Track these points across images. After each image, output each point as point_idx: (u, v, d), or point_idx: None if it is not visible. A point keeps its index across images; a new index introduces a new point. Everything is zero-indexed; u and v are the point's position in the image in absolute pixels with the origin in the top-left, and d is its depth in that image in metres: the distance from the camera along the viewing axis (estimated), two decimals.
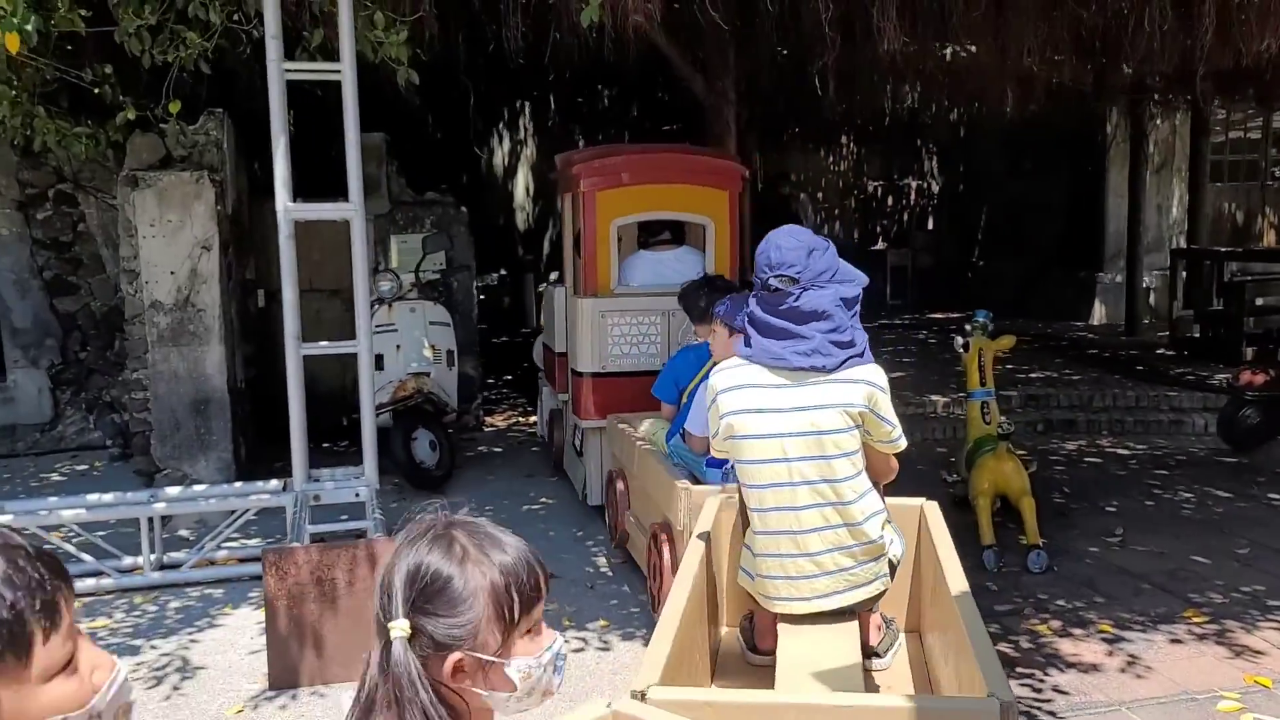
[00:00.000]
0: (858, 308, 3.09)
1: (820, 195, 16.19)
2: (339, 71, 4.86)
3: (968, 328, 6.37)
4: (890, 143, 15.95)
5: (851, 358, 3.00)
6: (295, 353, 4.86)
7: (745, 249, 11.67)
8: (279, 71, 4.77)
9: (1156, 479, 7.17)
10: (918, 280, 15.60)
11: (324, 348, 5.08)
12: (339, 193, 8.14)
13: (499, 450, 7.64)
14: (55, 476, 6.93)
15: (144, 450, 6.05)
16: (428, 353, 6.58)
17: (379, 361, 6.64)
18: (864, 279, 3.11)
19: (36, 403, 7.53)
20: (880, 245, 16.09)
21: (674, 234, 6.16)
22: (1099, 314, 13.21)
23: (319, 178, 6.41)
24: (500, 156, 15.51)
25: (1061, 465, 7.59)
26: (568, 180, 6.23)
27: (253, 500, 4.87)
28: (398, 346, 6.59)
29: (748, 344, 3.09)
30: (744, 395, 3.02)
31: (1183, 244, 12.81)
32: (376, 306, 6.68)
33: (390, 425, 6.25)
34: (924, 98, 13.06)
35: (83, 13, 5.44)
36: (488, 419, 8.66)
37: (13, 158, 7.19)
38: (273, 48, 4.74)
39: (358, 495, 4.90)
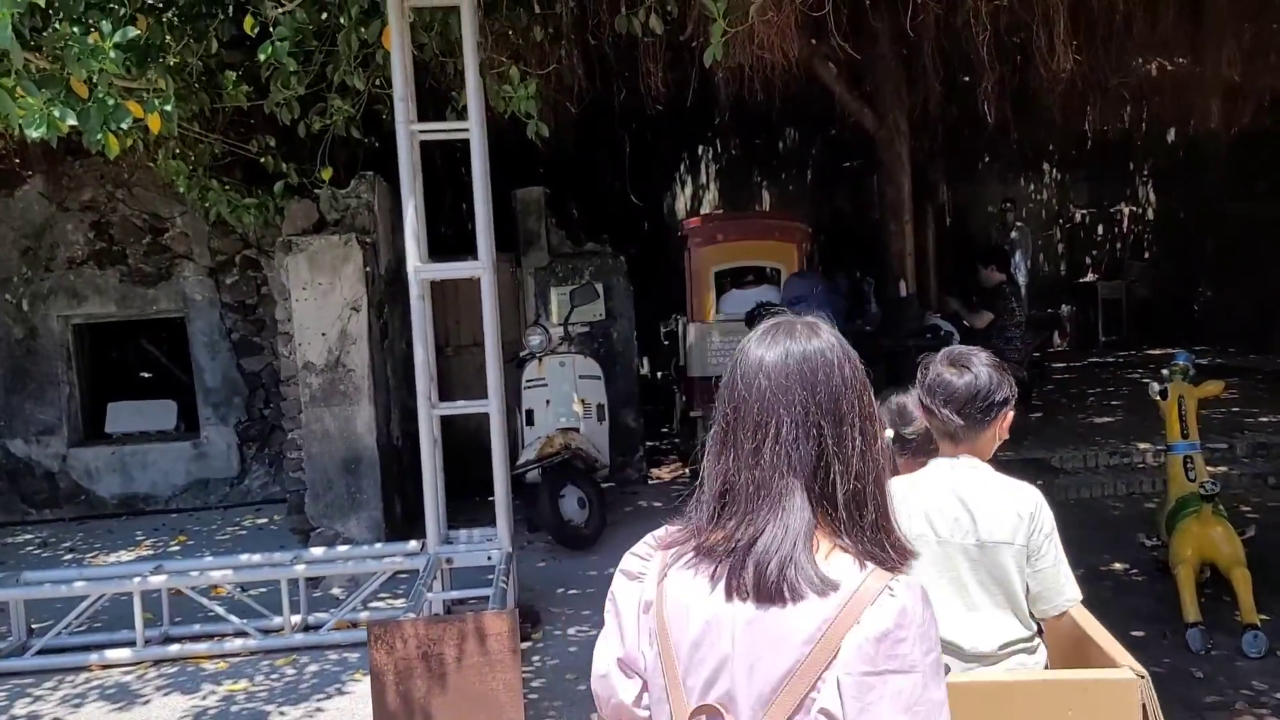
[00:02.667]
0: None
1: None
2: (468, 129, 4.84)
3: (1165, 372, 5.67)
4: (1098, 168, 14.83)
5: None
6: (427, 412, 4.84)
7: (928, 277, 11.09)
8: (408, 133, 4.80)
9: None
10: (1133, 314, 14.35)
11: (457, 407, 5.03)
12: (507, 246, 8.32)
13: (658, 504, 7.42)
14: (238, 530, 7.26)
15: (299, 509, 6.22)
16: (577, 407, 6.47)
17: (529, 417, 6.59)
18: None
19: (226, 458, 7.96)
20: (1090, 277, 14.92)
21: (757, 276, 8.23)
22: None
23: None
24: (683, 201, 15.46)
25: None
26: (682, 239, 8.40)
27: (386, 564, 4.85)
28: (547, 401, 6.52)
29: None
30: None
31: None
32: (528, 361, 6.64)
33: (538, 482, 6.16)
34: (1134, 117, 12.06)
35: (246, 89, 5.72)
36: (654, 471, 8.47)
37: (204, 227, 7.67)
38: (401, 110, 4.78)
39: (490, 559, 4.79)
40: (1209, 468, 5.53)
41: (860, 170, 12.53)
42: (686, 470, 8.36)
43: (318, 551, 5.09)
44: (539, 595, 5.52)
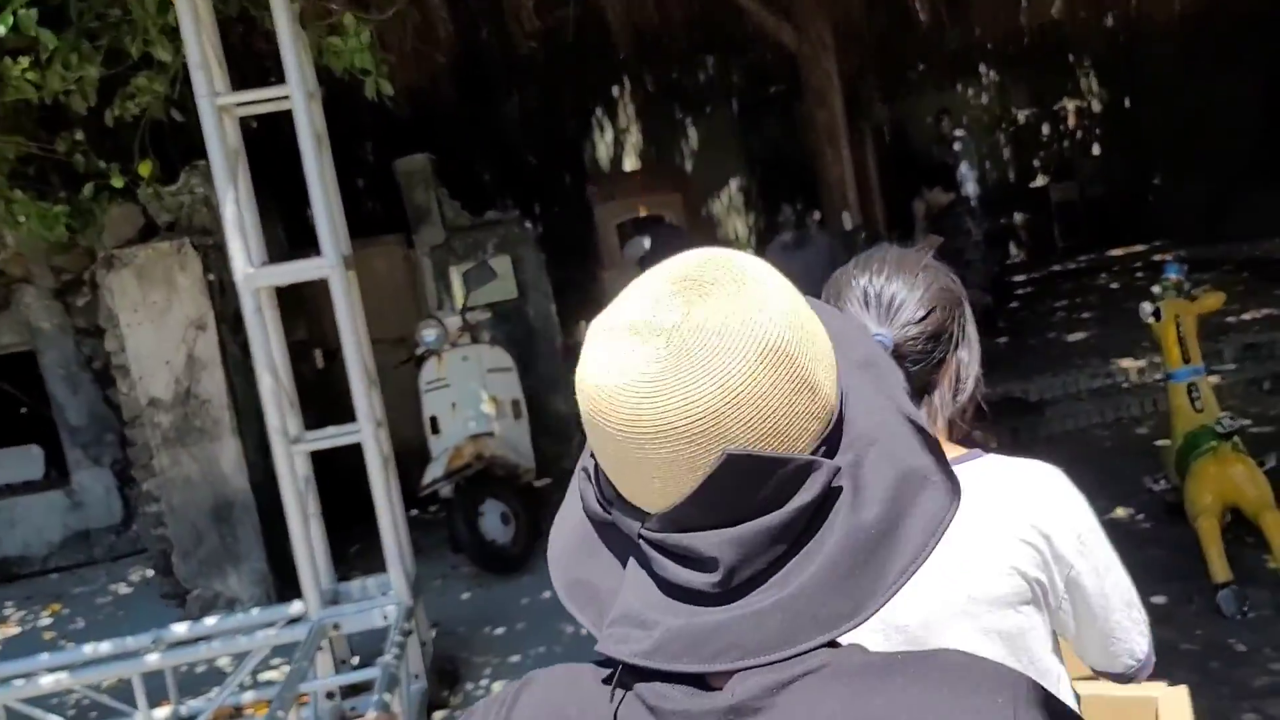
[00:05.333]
0: None
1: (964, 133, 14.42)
2: (287, 97, 3.88)
3: (1155, 289, 4.88)
4: (1037, 65, 14.03)
5: None
6: (283, 451, 3.92)
7: (873, 205, 10.31)
8: (212, 108, 3.83)
9: None
10: (1091, 214, 13.65)
11: (324, 436, 4.12)
12: (397, 227, 7.34)
13: None
14: (122, 588, 6.31)
15: (166, 570, 5.30)
16: (488, 407, 5.58)
17: (434, 425, 5.69)
18: None
19: (105, 504, 6.96)
20: (1041, 181, 14.18)
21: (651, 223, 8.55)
22: None
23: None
24: (604, 150, 14.50)
25: None
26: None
27: (260, 640, 3.96)
28: (453, 405, 5.62)
29: None
30: None
31: None
32: (425, 360, 5.72)
33: (448, 502, 5.29)
34: (1067, 7, 11.22)
35: (32, 75, 4.68)
36: None
37: (41, 244, 6.61)
38: (200, 81, 3.81)
39: (386, 618, 3.93)
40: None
41: (788, 95, 11.62)
42: None
43: (180, 629, 4.19)
44: (459, 642, 4.68)
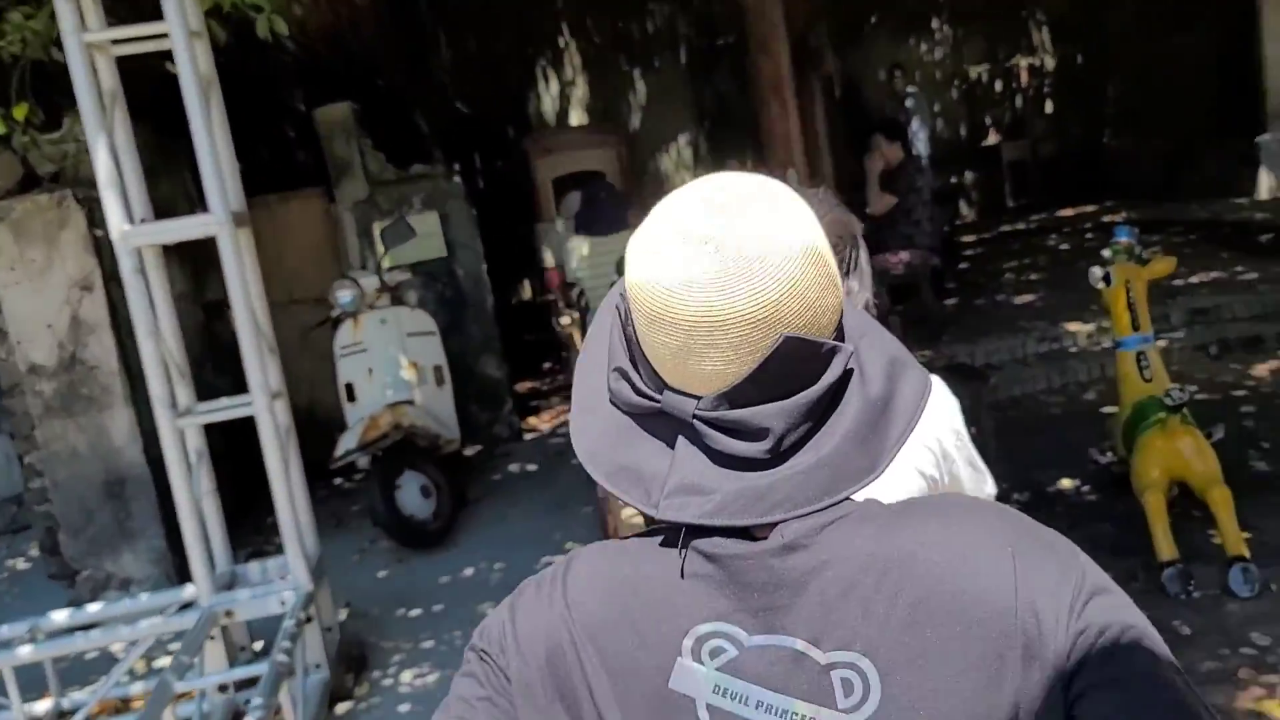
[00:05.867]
0: None
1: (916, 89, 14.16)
2: (166, 35, 3.50)
3: (1105, 253, 4.67)
4: (990, 20, 13.79)
5: None
6: (170, 424, 3.60)
7: (821, 161, 10.03)
8: (79, 45, 3.44)
9: None
10: (1042, 174, 13.50)
11: (220, 406, 3.79)
12: (319, 180, 6.93)
13: (533, 469, 6.29)
14: (20, 564, 5.95)
15: (52, 549, 4.94)
16: (408, 374, 5.25)
17: (350, 392, 5.36)
18: None
19: (6, 472, 6.55)
20: (994, 139, 13.98)
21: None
22: (1266, 186, 10.94)
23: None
24: (549, 104, 14.05)
25: (1251, 405, 5.79)
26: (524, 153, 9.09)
27: (146, 629, 3.64)
28: (370, 370, 5.28)
29: None
30: None
31: None
32: (340, 323, 5.37)
33: (368, 473, 4.98)
34: None
35: None
36: (529, 421, 7.32)
37: None
38: (66, 13, 3.41)
39: (283, 604, 3.63)
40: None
41: (738, 47, 11.26)
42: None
43: (60, 617, 3.86)
44: (371, 625, 4.40)
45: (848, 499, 0.89)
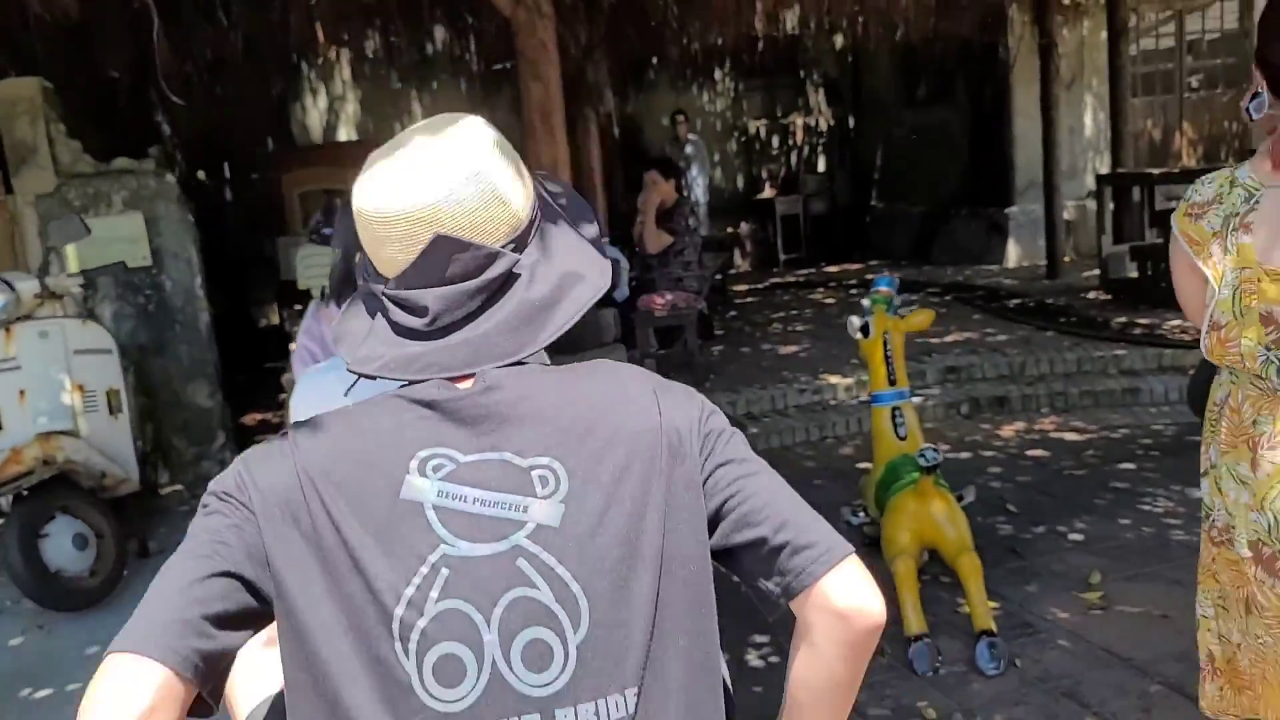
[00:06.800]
0: None
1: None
2: None
3: (865, 303, 4.46)
4: (771, 76, 14.05)
5: None
6: None
7: (594, 198, 9.74)
8: None
9: (1123, 476, 5.40)
10: (813, 229, 13.79)
11: None
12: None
13: None
14: None
15: None
16: (70, 398, 4.39)
17: None
18: None
19: None
20: (769, 193, 14.19)
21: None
22: (1014, 255, 11.52)
23: None
24: (317, 117, 13.18)
25: (1000, 465, 5.78)
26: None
27: None
28: (21, 393, 4.36)
29: None
30: None
31: (1101, 169, 11.16)
32: None
33: (7, 517, 4.06)
34: (802, 20, 11.12)
35: None
36: None
37: None
38: None
39: None
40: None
41: (514, 73, 10.86)
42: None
43: None
44: None
45: (532, 359, 1.20)
